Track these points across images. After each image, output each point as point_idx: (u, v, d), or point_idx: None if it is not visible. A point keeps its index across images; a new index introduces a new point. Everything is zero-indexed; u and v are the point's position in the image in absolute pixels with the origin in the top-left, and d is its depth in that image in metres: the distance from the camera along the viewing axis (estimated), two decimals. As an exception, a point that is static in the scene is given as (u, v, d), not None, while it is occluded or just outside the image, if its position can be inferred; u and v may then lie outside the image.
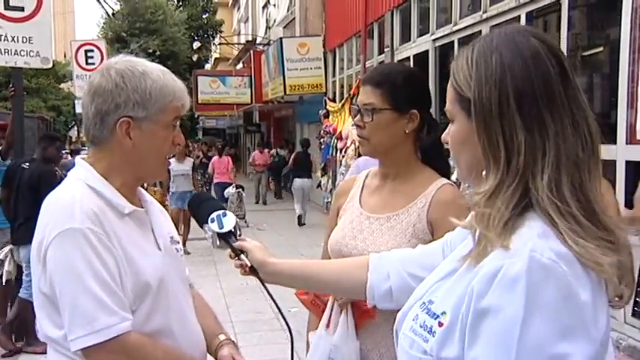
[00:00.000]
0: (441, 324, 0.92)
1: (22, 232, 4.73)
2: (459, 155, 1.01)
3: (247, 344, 4.95)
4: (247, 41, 22.76)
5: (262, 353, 4.81)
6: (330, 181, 11.70)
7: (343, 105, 10.33)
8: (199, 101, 19.60)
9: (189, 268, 1.72)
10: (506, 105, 0.90)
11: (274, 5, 20.75)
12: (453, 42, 7.16)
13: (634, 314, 3.94)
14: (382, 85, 1.72)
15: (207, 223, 1.48)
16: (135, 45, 23.54)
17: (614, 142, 4.17)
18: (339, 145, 10.30)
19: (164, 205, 5.53)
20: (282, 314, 1.50)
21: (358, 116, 1.75)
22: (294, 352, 1.49)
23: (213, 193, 11.47)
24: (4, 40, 5.25)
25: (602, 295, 0.88)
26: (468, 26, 6.70)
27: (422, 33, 8.28)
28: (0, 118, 6.97)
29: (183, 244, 7.52)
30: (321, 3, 13.80)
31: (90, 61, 10.01)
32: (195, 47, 23.68)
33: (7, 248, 5.04)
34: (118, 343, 1.33)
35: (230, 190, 11.82)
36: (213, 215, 1.48)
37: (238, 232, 1.52)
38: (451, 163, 1.83)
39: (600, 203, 0.92)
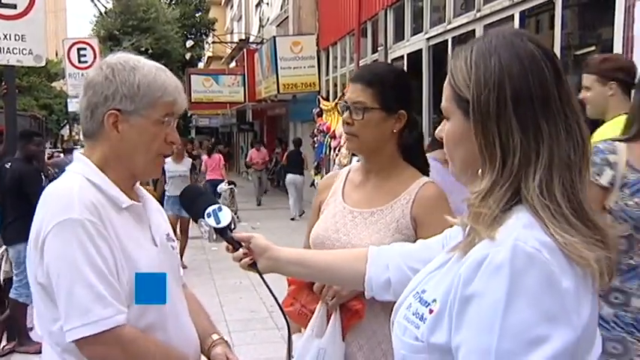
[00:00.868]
0: (431, 311, 0.96)
1: (10, 233, 4.71)
2: (454, 152, 1.03)
3: (241, 343, 4.94)
4: (240, 40, 22.67)
5: (256, 352, 4.81)
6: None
7: (337, 104, 10.33)
8: (192, 100, 19.52)
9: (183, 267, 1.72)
10: (503, 107, 0.92)
11: (267, 4, 20.73)
12: (446, 41, 7.18)
13: None
14: (373, 85, 1.75)
15: (203, 218, 1.48)
16: (127, 43, 23.44)
17: (607, 140, 4.18)
18: (333, 143, 10.30)
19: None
20: (281, 309, 1.53)
21: (347, 113, 1.78)
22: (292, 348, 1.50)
23: (205, 191, 11.41)
24: (-4, 37, 5.22)
25: (586, 286, 0.90)
26: (462, 25, 6.72)
27: (415, 32, 8.30)
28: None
29: (181, 257, 7.05)
30: (315, 1, 13.79)
31: (82, 59, 9.99)
32: (188, 46, 23.55)
33: (2, 248, 5.02)
34: (112, 335, 1.34)
35: (223, 187, 11.84)
36: (209, 210, 1.47)
37: (233, 226, 1.52)
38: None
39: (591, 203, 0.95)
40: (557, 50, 4.75)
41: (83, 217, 1.34)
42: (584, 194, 0.93)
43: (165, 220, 1.68)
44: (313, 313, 1.80)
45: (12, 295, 4.78)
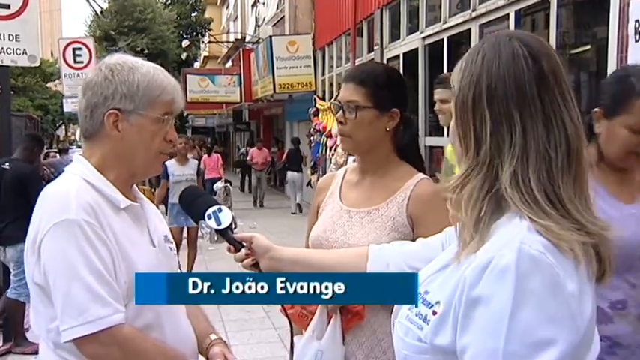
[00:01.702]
0: (435, 312, 0.97)
1: (8, 233, 4.70)
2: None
3: (238, 343, 4.94)
4: (236, 39, 22.65)
5: (253, 352, 4.81)
6: (319, 179, 11.69)
7: (331, 103, 10.31)
8: (188, 100, 19.43)
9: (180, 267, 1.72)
10: (478, 100, 0.98)
11: (263, 3, 20.70)
12: (442, 40, 7.18)
13: None
14: (366, 84, 1.75)
15: (203, 219, 1.48)
16: (123, 43, 23.39)
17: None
18: (329, 143, 10.30)
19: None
20: (283, 308, 1.54)
21: (340, 112, 1.79)
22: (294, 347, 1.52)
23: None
24: (-9, 38, 5.20)
25: (588, 283, 0.92)
26: (458, 24, 6.72)
27: (411, 31, 8.30)
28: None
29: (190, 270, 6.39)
30: (311, 1, 13.80)
31: (78, 59, 9.96)
32: (184, 46, 23.54)
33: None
34: (110, 334, 1.34)
35: (218, 185, 11.94)
36: (210, 212, 1.47)
37: (234, 226, 1.52)
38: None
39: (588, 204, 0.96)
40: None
41: (80, 217, 1.35)
42: (568, 193, 0.94)
43: (162, 223, 1.68)
44: (314, 314, 1.79)
45: (12, 294, 4.78)
